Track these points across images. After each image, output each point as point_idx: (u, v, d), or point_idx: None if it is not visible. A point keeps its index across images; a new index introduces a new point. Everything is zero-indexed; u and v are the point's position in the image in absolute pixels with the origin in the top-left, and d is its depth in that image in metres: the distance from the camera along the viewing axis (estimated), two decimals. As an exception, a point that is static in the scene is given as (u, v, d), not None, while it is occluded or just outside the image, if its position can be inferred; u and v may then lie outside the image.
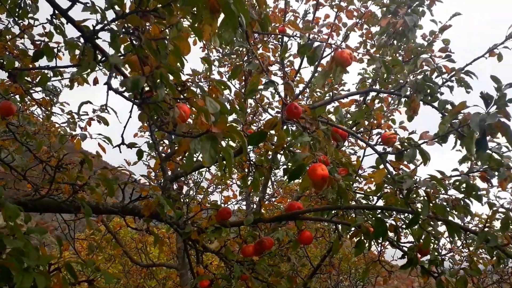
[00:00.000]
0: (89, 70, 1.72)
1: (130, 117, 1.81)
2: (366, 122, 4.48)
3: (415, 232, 2.23)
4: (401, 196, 2.23)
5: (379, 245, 2.71)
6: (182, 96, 1.60)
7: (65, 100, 3.80)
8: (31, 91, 2.99)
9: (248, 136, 2.28)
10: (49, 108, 3.06)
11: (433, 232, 2.23)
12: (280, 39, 4.26)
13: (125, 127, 1.92)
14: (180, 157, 3.04)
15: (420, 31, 4.02)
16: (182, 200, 4.46)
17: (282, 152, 2.27)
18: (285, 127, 2.61)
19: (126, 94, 1.60)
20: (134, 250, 6.52)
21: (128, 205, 2.34)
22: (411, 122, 2.63)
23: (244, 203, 6.28)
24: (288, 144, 2.18)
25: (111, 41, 1.55)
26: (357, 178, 3.16)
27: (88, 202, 2.35)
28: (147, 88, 1.61)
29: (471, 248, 3.70)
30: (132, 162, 5.20)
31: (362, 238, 2.68)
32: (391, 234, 2.90)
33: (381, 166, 2.46)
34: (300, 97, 4.42)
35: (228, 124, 1.36)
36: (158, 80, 1.35)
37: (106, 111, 4.52)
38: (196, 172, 6.14)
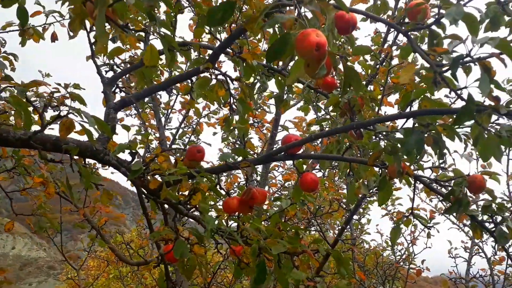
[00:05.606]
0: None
1: None
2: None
3: (471, 133, 1.44)
4: (441, 80, 1.44)
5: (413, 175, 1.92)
6: None
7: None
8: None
9: (207, 12, 1.54)
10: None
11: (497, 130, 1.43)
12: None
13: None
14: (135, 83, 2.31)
15: None
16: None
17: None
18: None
19: None
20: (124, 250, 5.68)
21: (43, 132, 1.60)
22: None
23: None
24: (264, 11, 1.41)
25: None
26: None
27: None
28: None
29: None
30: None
31: (384, 171, 1.90)
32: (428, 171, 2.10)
33: (410, 58, 1.70)
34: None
35: None
36: None
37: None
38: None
